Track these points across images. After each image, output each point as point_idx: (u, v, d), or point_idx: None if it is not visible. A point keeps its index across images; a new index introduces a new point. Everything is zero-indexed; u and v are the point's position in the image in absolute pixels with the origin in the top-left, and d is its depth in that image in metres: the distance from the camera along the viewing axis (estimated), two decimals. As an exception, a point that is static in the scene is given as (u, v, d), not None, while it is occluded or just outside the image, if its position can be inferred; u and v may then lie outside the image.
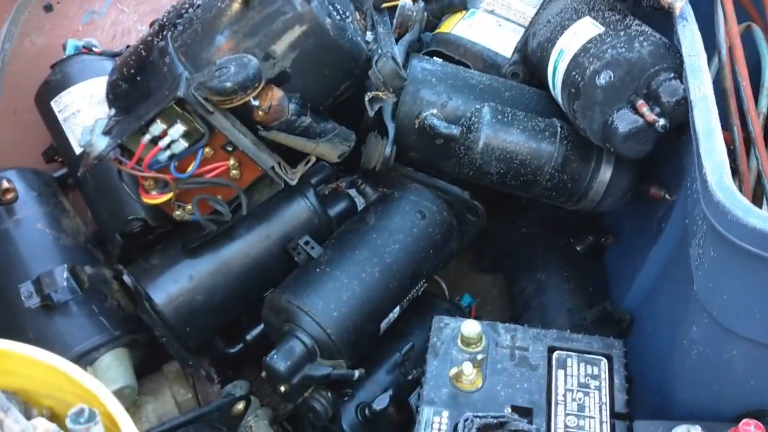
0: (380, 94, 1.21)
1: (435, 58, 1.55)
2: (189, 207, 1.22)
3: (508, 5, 1.63)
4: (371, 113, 1.26)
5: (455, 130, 1.29)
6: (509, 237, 1.62)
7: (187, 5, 1.24)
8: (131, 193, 1.20)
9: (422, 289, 1.35)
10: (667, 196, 1.28)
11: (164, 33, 1.22)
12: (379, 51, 1.22)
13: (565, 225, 1.59)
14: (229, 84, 1.08)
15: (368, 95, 1.24)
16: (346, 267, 1.24)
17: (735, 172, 1.24)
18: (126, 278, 1.24)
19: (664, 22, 1.20)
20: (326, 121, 1.23)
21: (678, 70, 1.10)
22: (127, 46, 1.45)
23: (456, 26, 1.60)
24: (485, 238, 1.66)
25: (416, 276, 1.31)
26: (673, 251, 1.26)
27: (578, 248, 1.56)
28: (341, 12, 1.21)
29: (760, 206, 1.27)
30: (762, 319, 0.87)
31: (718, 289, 0.92)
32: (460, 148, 1.30)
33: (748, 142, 1.18)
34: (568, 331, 1.23)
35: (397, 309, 1.29)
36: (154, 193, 1.19)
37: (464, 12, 1.63)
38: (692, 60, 1.03)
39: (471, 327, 1.11)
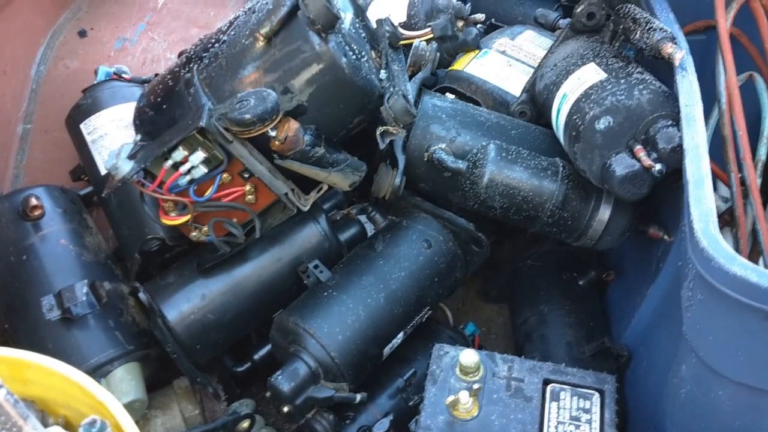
0: (391, 128, 1.27)
1: (447, 94, 1.61)
2: (205, 229, 1.29)
3: (519, 47, 1.70)
4: (382, 146, 1.32)
5: (462, 165, 1.35)
6: (515, 268, 1.67)
7: (213, 40, 1.31)
8: (151, 214, 1.26)
9: (426, 315, 1.40)
10: (665, 237, 1.32)
11: (191, 65, 1.30)
12: (391, 89, 1.28)
13: (570, 259, 1.63)
14: (248, 116, 1.14)
15: (379, 129, 1.30)
16: (353, 292, 1.29)
17: (732, 217, 1.29)
18: (141, 295, 1.30)
19: (668, 69, 1.25)
20: (339, 152, 1.29)
21: (676, 117, 1.15)
22: (156, 74, 1.53)
23: (469, 65, 1.67)
24: (493, 268, 1.71)
25: (420, 303, 1.36)
26: (669, 291, 1.29)
27: (581, 282, 1.59)
28: (357, 52, 1.28)
29: (756, 252, 1.31)
30: (746, 362, 0.91)
31: (705, 331, 0.95)
32: (466, 182, 1.36)
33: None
34: (564, 364, 1.28)
35: (401, 335, 1.34)
36: (173, 214, 1.25)
37: (477, 51, 1.70)
38: (688, 110, 1.08)
39: (469, 356, 1.15)
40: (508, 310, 1.71)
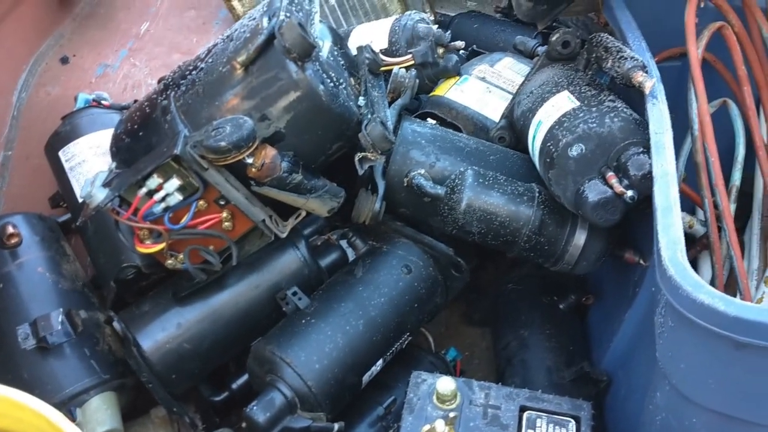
0: (369, 155, 1.28)
1: (429, 119, 1.63)
2: (181, 256, 1.28)
3: (498, 73, 1.72)
4: (361, 172, 1.32)
5: (440, 191, 1.35)
6: (497, 292, 1.67)
7: (191, 67, 1.32)
8: (126, 242, 1.26)
9: (406, 342, 1.39)
10: (641, 262, 1.33)
11: (168, 92, 1.30)
12: (369, 115, 1.29)
13: (551, 282, 1.63)
14: (223, 143, 1.15)
15: (358, 155, 1.30)
16: (331, 319, 1.29)
17: (708, 242, 1.30)
18: (116, 324, 1.29)
19: (641, 97, 1.26)
20: (317, 178, 1.30)
21: (647, 145, 1.16)
22: (135, 101, 1.53)
23: (449, 91, 1.69)
24: (476, 292, 1.71)
25: (400, 329, 1.35)
26: (645, 316, 1.29)
27: (561, 306, 1.60)
28: (335, 79, 1.29)
29: (734, 276, 1.32)
30: (718, 389, 0.91)
31: (677, 358, 0.96)
32: (444, 208, 1.36)
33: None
34: (544, 390, 1.27)
35: (380, 362, 1.33)
36: (148, 242, 1.24)
37: (458, 78, 1.72)
38: (658, 137, 1.09)
39: (446, 384, 1.14)
40: (491, 335, 1.71)
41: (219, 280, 1.35)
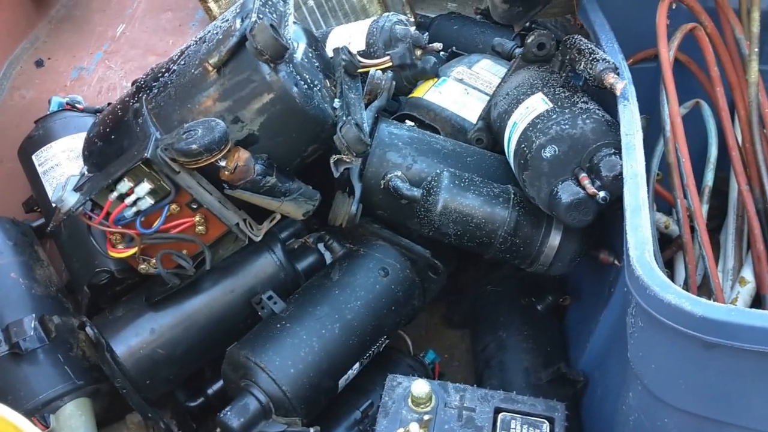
0: (344, 157, 1.27)
1: (407, 121, 1.62)
2: (154, 261, 1.27)
3: (476, 75, 1.72)
4: (336, 174, 1.32)
5: (417, 193, 1.35)
6: (476, 293, 1.67)
7: (163, 70, 1.31)
8: (98, 246, 1.24)
9: (384, 345, 1.39)
10: (615, 262, 1.33)
11: (140, 95, 1.29)
12: (344, 117, 1.29)
13: (529, 284, 1.63)
14: (195, 146, 1.14)
15: (333, 158, 1.30)
16: (306, 323, 1.28)
17: (680, 242, 1.30)
18: (89, 330, 1.27)
19: (614, 98, 1.26)
20: (292, 181, 1.29)
21: (619, 146, 1.16)
22: (109, 104, 1.52)
23: (427, 92, 1.69)
24: (456, 293, 1.71)
25: (377, 332, 1.35)
26: (620, 316, 1.30)
27: (539, 307, 1.60)
28: (309, 81, 1.28)
29: (703, 276, 1.33)
30: (687, 389, 0.91)
31: (647, 359, 0.96)
32: (420, 210, 1.36)
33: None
34: (521, 391, 1.27)
35: (357, 365, 1.32)
36: (120, 247, 1.23)
37: (436, 79, 1.72)
38: (628, 139, 1.10)
39: (420, 387, 1.14)
40: (470, 336, 1.71)
41: (193, 285, 1.34)
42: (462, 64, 1.78)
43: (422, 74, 1.72)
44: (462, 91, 1.68)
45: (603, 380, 1.36)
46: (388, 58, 1.67)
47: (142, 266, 1.27)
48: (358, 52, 1.63)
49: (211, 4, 1.91)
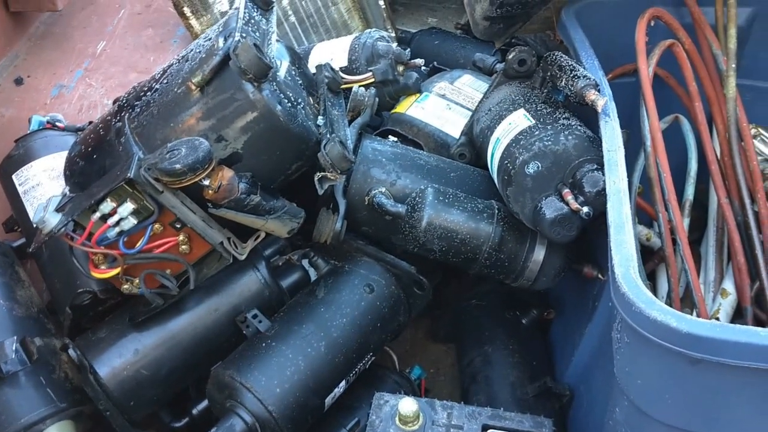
0: (329, 174, 1.27)
1: (390, 136, 1.63)
2: (137, 281, 1.26)
3: (458, 90, 1.73)
4: (320, 191, 1.32)
5: (401, 209, 1.36)
6: (461, 307, 1.67)
7: (146, 88, 1.30)
8: (81, 267, 1.23)
9: (370, 362, 1.38)
10: (599, 276, 1.34)
11: (122, 114, 1.28)
12: (328, 135, 1.29)
13: (513, 297, 1.64)
14: (178, 166, 1.13)
15: (318, 175, 1.30)
16: (292, 341, 1.27)
17: (661, 254, 1.32)
18: (71, 351, 1.26)
19: (595, 114, 1.28)
20: (276, 199, 1.28)
21: (601, 162, 1.17)
22: (90, 122, 1.50)
23: (410, 108, 1.69)
24: (440, 308, 1.71)
25: (363, 350, 1.34)
26: (604, 330, 1.31)
27: (524, 321, 1.61)
28: (293, 99, 1.28)
29: (685, 289, 1.34)
30: (674, 404, 0.92)
31: (634, 374, 0.96)
32: (405, 226, 1.36)
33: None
34: (508, 406, 1.27)
35: (343, 383, 1.32)
36: (103, 267, 1.22)
37: (418, 95, 1.73)
38: (610, 155, 1.11)
39: (408, 405, 1.14)
40: (455, 351, 1.71)
41: (177, 304, 1.33)
42: (444, 80, 1.79)
43: (405, 90, 1.73)
44: (444, 106, 1.69)
45: (589, 394, 1.37)
46: (370, 74, 1.68)
47: (126, 286, 1.25)
48: (341, 68, 1.64)
49: (193, 21, 1.91)
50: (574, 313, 1.52)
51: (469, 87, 1.76)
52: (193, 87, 1.21)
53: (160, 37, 2.02)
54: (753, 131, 1.47)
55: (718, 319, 1.35)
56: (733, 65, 1.34)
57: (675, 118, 1.45)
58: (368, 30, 1.84)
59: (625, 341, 0.96)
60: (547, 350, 1.61)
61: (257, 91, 1.20)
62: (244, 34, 1.19)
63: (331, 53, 1.79)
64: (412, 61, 1.75)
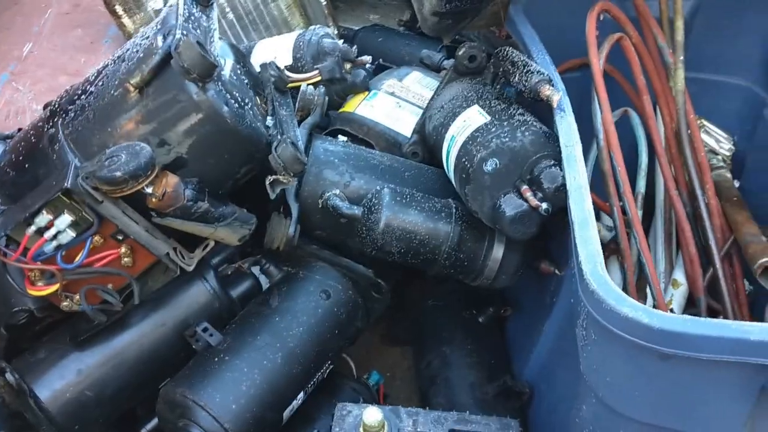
0: (281, 177, 1.22)
1: (339, 136, 1.59)
2: (77, 297, 1.17)
3: (407, 88, 1.70)
4: (272, 196, 1.26)
5: (357, 211, 1.32)
6: (418, 309, 1.64)
7: (79, 92, 1.22)
8: (16, 284, 1.14)
9: (328, 370, 1.34)
10: (556, 271, 1.33)
11: (55, 119, 1.20)
12: (279, 136, 1.24)
13: (470, 296, 1.62)
14: (119, 173, 1.06)
15: (269, 179, 1.24)
16: (247, 354, 1.21)
17: (618, 247, 1.32)
18: (8, 375, 1.17)
19: (547, 109, 1.27)
20: (225, 205, 1.22)
21: (558, 157, 1.17)
22: (19, 129, 1.41)
23: (359, 106, 1.65)
24: (400, 310, 1.68)
25: (321, 358, 1.30)
26: (564, 326, 1.30)
27: (480, 319, 1.59)
28: (240, 99, 1.23)
29: (642, 279, 1.35)
30: (643, 400, 0.91)
31: (602, 371, 0.96)
32: (362, 229, 1.32)
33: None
34: (469, 407, 1.25)
35: (302, 395, 1.27)
36: (40, 284, 1.13)
37: (366, 93, 1.69)
38: (568, 150, 1.10)
39: (372, 415, 1.10)
40: (412, 353, 1.68)
41: (121, 320, 1.25)
42: (392, 77, 1.76)
43: (352, 88, 1.69)
44: (394, 104, 1.66)
45: (550, 391, 1.36)
46: (317, 72, 1.63)
47: (65, 303, 1.17)
48: (286, 66, 1.59)
49: (125, 20, 1.82)
50: (531, 310, 1.51)
51: (418, 84, 1.73)
52: (132, 88, 1.14)
53: (90, 37, 1.91)
54: (698, 123, 1.49)
55: (672, 310, 1.36)
56: (681, 58, 1.36)
57: (624, 112, 1.46)
58: (313, 27, 1.79)
59: (592, 338, 0.95)
60: (504, 348, 1.60)
61: (201, 91, 1.14)
62: (185, 32, 1.12)
63: (274, 51, 1.74)
64: (359, 58, 1.72)
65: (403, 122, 1.62)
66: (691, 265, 1.35)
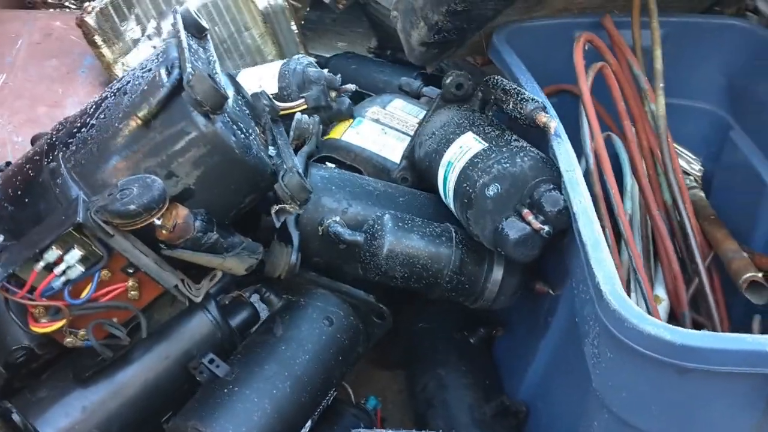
0: (287, 206, 1.23)
1: (327, 163, 1.61)
2: (82, 332, 1.15)
3: (392, 114, 1.75)
4: (278, 224, 1.27)
5: (359, 237, 1.34)
6: (409, 332, 1.66)
7: (78, 124, 1.21)
8: (19, 322, 1.11)
9: (332, 398, 1.34)
10: (551, 291, 1.38)
11: (54, 153, 1.18)
12: (284, 165, 1.25)
13: (459, 318, 1.65)
14: (133, 206, 1.05)
15: (275, 207, 1.25)
16: (256, 385, 1.21)
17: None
18: (15, 416, 1.13)
19: (537, 134, 1.32)
20: (233, 235, 1.23)
21: (555, 181, 1.22)
22: (7, 163, 1.37)
23: (345, 133, 1.68)
24: (392, 334, 1.69)
25: (327, 385, 1.31)
26: (562, 344, 1.35)
27: (471, 341, 1.62)
28: (245, 130, 1.24)
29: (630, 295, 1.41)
30: (660, 413, 0.95)
31: (618, 387, 1.00)
32: (365, 255, 1.34)
33: (618, 238, 1.32)
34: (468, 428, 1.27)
35: (309, 423, 1.27)
36: (44, 321, 1.11)
37: (351, 120, 1.72)
38: (569, 175, 1.15)
39: (389, 439, 1.11)
40: (405, 377, 1.70)
41: (123, 355, 1.23)
42: (375, 104, 1.80)
43: (338, 116, 1.72)
44: (380, 131, 1.70)
45: (548, 408, 1.40)
46: (303, 100, 1.66)
47: (69, 339, 1.14)
48: (271, 95, 1.60)
49: (105, 50, 1.80)
50: (523, 330, 1.55)
51: (402, 111, 1.77)
52: (139, 121, 1.14)
53: (66, 67, 1.88)
54: (671, 146, 1.58)
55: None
56: (662, 84, 1.44)
57: (607, 136, 1.53)
58: (296, 56, 1.82)
59: (607, 356, 0.99)
60: (494, 368, 1.64)
61: (210, 123, 1.15)
62: (194, 65, 1.13)
63: (259, 80, 1.75)
64: (344, 86, 1.75)
65: (389, 148, 1.65)
66: (675, 282, 1.42)
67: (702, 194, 1.62)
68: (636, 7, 1.55)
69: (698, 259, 1.34)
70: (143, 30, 1.90)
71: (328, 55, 2.35)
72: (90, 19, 1.73)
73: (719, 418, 0.93)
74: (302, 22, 2.33)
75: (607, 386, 1.01)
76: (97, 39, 1.77)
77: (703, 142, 1.73)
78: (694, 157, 1.72)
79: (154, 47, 1.93)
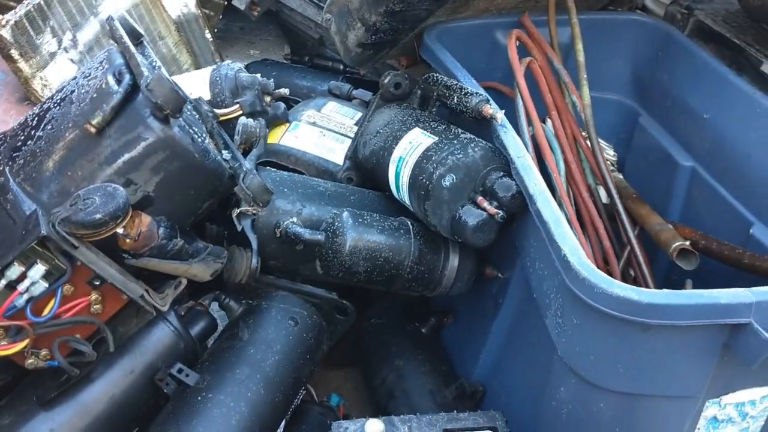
0: (249, 209, 1.23)
1: (268, 167, 1.61)
2: (44, 353, 1.10)
3: (327, 117, 1.77)
4: (239, 228, 1.27)
5: (320, 236, 1.35)
6: (361, 329, 1.69)
7: (23, 137, 1.15)
8: (-25, 347, 1.05)
9: (301, 397, 1.35)
10: (499, 275, 1.45)
11: (1, 168, 1.12)
12: (242, 168, 1.25)
13: (409, 309, 1.70)
14: (98, 215, 1.02)
15: (236, 211, 1.25)
16: (230, 389, 1.20)
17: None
18: (-21, 449, 1.06)
19: (477, 126, 1.40)
20: (196, 241, 1.21)
21: (505, 168, 1.29)
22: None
23: (283, 137, 1.69)
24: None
25: (297, 385, 1.31)
26: (515, 323, 1.42)
27: (423, 330, 1.67)
28: (200, 134, 1.23)
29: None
30: (626, 372, 1.04)
31: (584, 352, 1.07)
32: (327, 253, 1.36)
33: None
34: (432, 413, 1.31)
35: (283, 423, 1.27)
36: (4, 343, 1.05)
37: (287, 124, 1.73)
38: (521, 161, 1.22)
39: (374, 427, 1.14)
40: (361, 373, 1.72)
41: (87, 373, 1.18)
42: (310, 108, 1.82)
43: (274, 120, 1.73)
44: (318, 133, 1.72)
45: (505, 386, 1.47)
46: (238, 106, 1.65)
47: (30, 361, 1.09)
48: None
49: (22, 65, 1.71)
50: (472, 315, 1.62)
51: (337, 113, 1.80)
52: (92, 129, 1.11)
53: (-24, 83, 1.78)
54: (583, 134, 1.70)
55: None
56: (585, 75, 1.55)
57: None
58: (226, 62, 1.81)
59: (572, 323, 1.06)
60: (447, 354, 1.69)
61: (167, 127, 1.13)
62: (151, 68, 1.11)
63: (190, 87, 1.72)
64: (277, 91, 1.76)
65: (329, 150, 1.68)
66: (607, 256, 1.53)
67: (621, 176, 1.75)
68: (552, 5, 1.67)
69: (630, 232, 1.45)
70: (59, 42, 1.82)
71: (243, 64, 2.34)
72: (5, 33, 1.64)
73: (679, 369, 1.03)
74: (215, 31, 2.31)
75: (574, 352, 1.09)
76: (14, 53, 1.68)
77: (613, 130, 1.86)
78: (606, 144, 1.86)
79: (72, 60, 1.86)
